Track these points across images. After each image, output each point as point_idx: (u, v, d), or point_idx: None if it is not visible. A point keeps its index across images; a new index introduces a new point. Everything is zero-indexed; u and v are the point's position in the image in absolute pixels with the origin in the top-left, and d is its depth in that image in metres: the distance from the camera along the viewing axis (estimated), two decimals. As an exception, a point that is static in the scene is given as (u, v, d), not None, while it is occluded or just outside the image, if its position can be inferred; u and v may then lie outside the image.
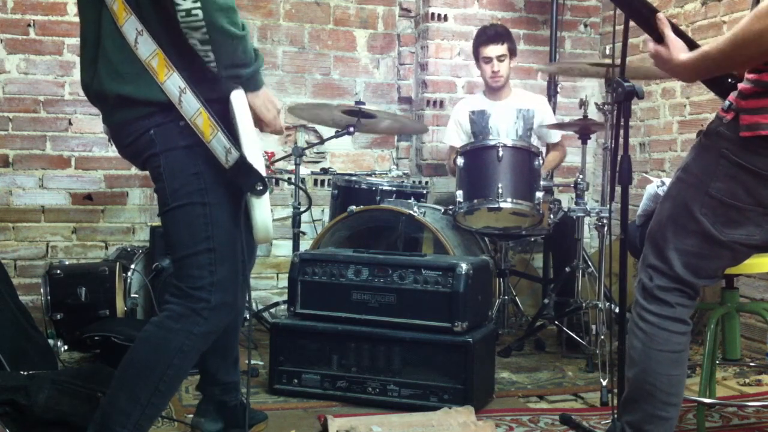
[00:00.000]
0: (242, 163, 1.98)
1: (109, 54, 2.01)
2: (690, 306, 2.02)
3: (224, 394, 2.50)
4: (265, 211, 2.04)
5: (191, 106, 1.97)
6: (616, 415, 2.18)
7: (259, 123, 2.14)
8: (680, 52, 1.89)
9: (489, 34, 4.21)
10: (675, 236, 1.98)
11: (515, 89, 4.38)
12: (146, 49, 1.96)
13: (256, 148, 2.02)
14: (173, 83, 1.97)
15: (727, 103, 1.91)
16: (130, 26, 1.97)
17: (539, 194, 3.51)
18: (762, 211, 1.88)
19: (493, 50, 4.17)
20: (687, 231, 1.97)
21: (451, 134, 4.35)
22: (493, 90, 4.27)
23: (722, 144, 1.89)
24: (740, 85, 1.89)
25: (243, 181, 2.00)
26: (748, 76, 1.87)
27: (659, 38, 1.93)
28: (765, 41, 1.72)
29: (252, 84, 2.07)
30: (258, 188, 2.00)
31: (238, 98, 2.02)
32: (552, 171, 4.28)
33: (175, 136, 2.01)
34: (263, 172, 2.01)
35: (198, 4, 1.89)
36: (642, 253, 2.10)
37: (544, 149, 4.09)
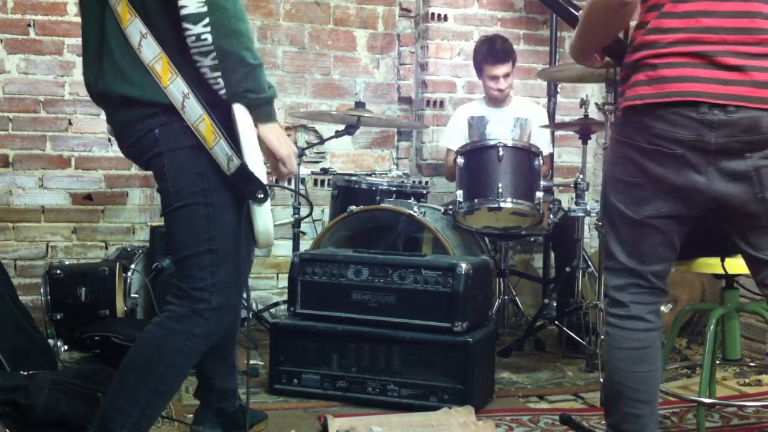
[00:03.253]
0: (244, 170, 1.98)
1: (113, 54, 2.00)
2: (647, 302, 2.04)
3: (222, 402, 2.48)
4: (266, 217, 2.04)
5: (194, 111, 1.97)
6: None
7: (273, 161, 2.11)
8: None
9: (497, 55, 4.15)
10: (611, 229, 2.07)
11: (515, 97, 4.39)
12: (150, 52, 1.96)
13: (257, 155, 2.01)
14: (177, 88, 1.96)
15: None
16: (134, 29, 1.96)
17: (539, 194, 3.51)
18: (655, 183, 1.94)
19: (500, 69, 4.17)
20: (615, 221, 2.04)
21: (448, 137, 4.35)
22: (495, 100, 4.28)
23: (614, 131, 2.05)
24: None
25: (244, 188, 2.00)
26: None
27: None
28: (594, 15, 1.93)
29: (263, 114, 2.03)
30: (259, 196, 2.00)
31: (241, 106, 2.01)
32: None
33: (180, 136, 2.00)
34: (264, 179, 2.01)
35: (208, 29, 1.89)
36: None
37: None
